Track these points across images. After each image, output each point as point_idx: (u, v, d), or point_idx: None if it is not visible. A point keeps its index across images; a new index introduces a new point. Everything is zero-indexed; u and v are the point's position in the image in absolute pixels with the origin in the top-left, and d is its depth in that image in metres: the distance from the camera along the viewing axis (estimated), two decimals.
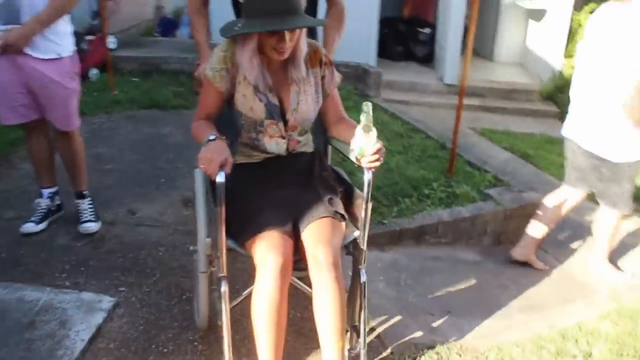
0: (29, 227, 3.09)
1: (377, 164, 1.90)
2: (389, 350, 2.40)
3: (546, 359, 2.39)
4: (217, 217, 1.91)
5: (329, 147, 2.47)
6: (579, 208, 4.42)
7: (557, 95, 6.91)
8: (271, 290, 1.86)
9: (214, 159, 1.85)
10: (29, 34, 2.68)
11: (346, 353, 2.04)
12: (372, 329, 2.53)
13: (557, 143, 5.83)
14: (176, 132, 4.74)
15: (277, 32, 1.91)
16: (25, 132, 3.11)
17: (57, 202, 3.25)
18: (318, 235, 1.93)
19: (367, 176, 1.94)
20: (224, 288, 1.98)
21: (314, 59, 2.15)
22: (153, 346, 2.35)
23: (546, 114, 6.78)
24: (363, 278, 2.08)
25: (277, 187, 2.09)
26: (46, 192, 3.19)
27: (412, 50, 7.98)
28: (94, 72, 6.15)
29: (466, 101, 6.67)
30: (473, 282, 3.15)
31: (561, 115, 6.76)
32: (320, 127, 2.34)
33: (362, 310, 2.10)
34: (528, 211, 3.69)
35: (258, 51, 2.00)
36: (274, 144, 2.16)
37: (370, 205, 2.01)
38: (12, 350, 2.23)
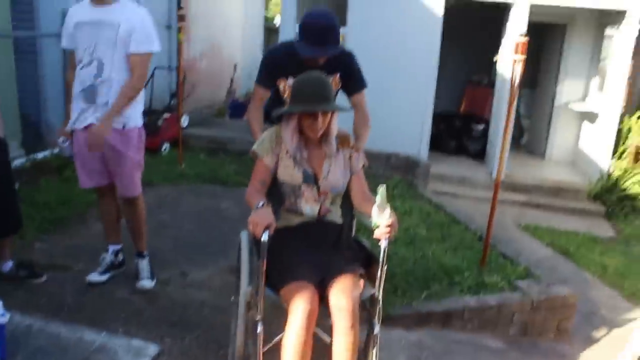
0: (94, 277, 3.52)
1: (389, 235, 2.33)
2: None
3: None
4: (259, 269, 2.33)
5: (354, 222, 2.91)
6: (613, 307, 4.52)
7: (604, 195, 7.01)
8: (300, 329, 2.25)
9: (260, 222, 2.27)
10: (108, 126, 3.19)
11: None
12: None
13: (601, 242, 5.93)
14: (233, 207, 5.17)
15: (312, 113, 2.49)
16: (97, 195, 3.58)
17: (120, 258, 3.67)
18: (341, 287, 2.34)
19: (383, 244, 2.36)
20: (260, 329, 2.36)
21: (345, 142, 2.73)
22: None
23: (592, 213, 6.86)
24: (376, 330, 2.46)
25: (310, 248, 2.53)
26: (111, 248, 3.62)
27: (465, 145, 8.30)
28: (166, 147, 6.76)
29: (513, 197, 6.97)
30: None
31: (607, 215, 6.85)
32: (348, 207, 2.79)
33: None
34: (555, 304, 3.83)
35: (298, 130, 2.57)
36: (309, 207, 2.65)
37: (385, 267, 2.40)
38: None
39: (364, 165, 2.77)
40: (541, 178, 7.44)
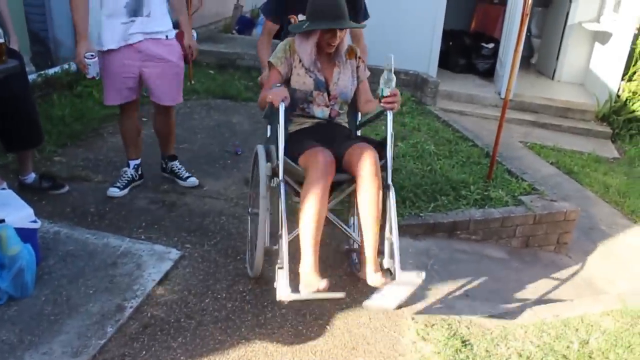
0: (114, 191, 3.65)
1: (393, 105, 2.65)
2: (409, 317, 2.79)
3: (545, 341, 2.72)
4: (277, 134, 2.58)
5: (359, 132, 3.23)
6: (612, 223, 4.67)
7: (611, 116, 7.03)
8: (320, 177, 2.47)
9: (279, 93, 2.60)
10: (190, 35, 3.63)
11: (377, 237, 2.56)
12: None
13: (605, 163, 6.03)
14: (244, 121, 5.25)
15: (331, 29, 2.70)
16: (121, 111, 3.64)
17: (140, 172, 3.79)
18: (359, 149, 2.59)
19: (389, 116, 2.69)
20: (283, 189, 2.56)
21: (352, 54, 2.97)
22: (209, 292, 2.83)
23: (599, 134, 6.90)
24: (391, 191, 2.64)
25: (324, 141, 2.68)
26: (132, 163, 3.74)
27: (474, 63, 8.23)
28: None
29: (520, 116, 7.00)
30: (495, 275, 3.48)
31: (613, 137, 6.91)
32: (353, 116, 3.14)
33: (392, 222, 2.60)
34: (557, 219, 3.98)
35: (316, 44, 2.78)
36: (320, 111, 2.89)
37: (392, 139, 2.67)
38: (100, 282, 2.77)
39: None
40: (550, 98, 7.43)
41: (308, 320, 2.72)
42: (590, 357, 2.66)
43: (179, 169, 3.88)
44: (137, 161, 3.77)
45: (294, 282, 2.40)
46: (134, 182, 3.76)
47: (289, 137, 2.64)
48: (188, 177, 3.86)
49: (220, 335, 2.56)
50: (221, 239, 3.29)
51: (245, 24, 9.16)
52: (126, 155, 3.76)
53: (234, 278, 2.96)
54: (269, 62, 2.88)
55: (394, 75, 2.61)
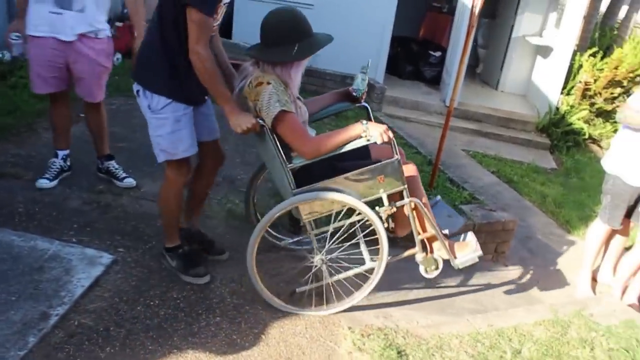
0: (44, 182, 3.53)
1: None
2: (345, 327, 2.77)
3: (479, 351, 2.75)
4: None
5: None
6: (548, 233, 4.80)
7: (550, 128, 7.24)
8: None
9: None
10: None
11: None
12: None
13: (543, 173, 6.20)
14: None
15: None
16: (50, 100, 3.53)
17: (69, 163, 3.69)
18: None
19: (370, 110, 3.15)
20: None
21: None
22: (142, 299, 2.73)
23: (538, 145, 7.10)
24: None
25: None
26: (61, 153, 3.64)
27: (422, 70, 8.34)
28: (118, 57, 6.55)
29: (464, 124, 7.13)
30: (433, 284, 3.50)
31: (552, 148, 7.12)
32: None
33: None
34: (495, 228, 4.04)
35: None
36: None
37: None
38: (24, 288, 2.63)
39: None
40: (493, 108, 7.60)
41: (243, 329, 2.66)
42: None
43: (115, 169, 3.75)
44: (66, 151, 3.66)
45: None
46: (63, 173, 3.65)
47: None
48: (125, 178, 3.74)
49: (152, 345, 2.46)
50: (157, 243, 3.18)
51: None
52: (54, 145, 3.65)
53: (168, 284, 2.87)
54: (284, 111, 2.48)
55: (367, 76, 2.94)
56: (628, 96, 7.38)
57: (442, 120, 4.59)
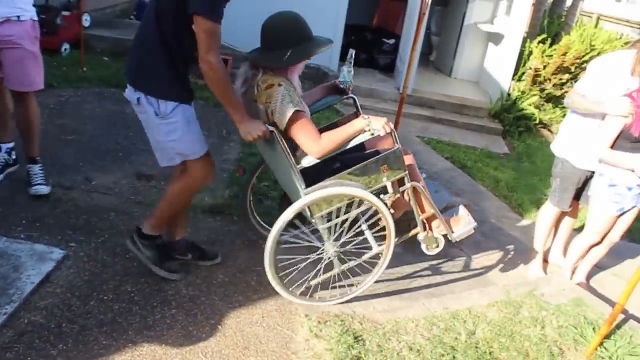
0: None
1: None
2: (302, 314, 2.78)
3: (434, 333, 2.79)
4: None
5: None
6: (501, 216, 4.90)
7: (502, 114, 7.39)
8: None
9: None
10: None
11: None
12: None
13: (496, 158, 6.33)
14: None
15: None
16: None
17: (14, 157, 3.56)
18: None
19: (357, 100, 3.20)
20: None
21: None
22: (95, 293, 2.68)
23: (491, 130, 7.24)
24: None
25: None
26: (4, 146, 3.51)
27: (375, 58, 8.38)
28: (66, 48, 6.37)
29: (419, 111, 7.20)
30: (389, 269, 3.52)
31: (504, 133, 7.27)
32: None
33: None
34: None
35: None
36: None
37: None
38: None
39: None
40: (446, 94, 7.69)
41: (199, 320, 2.64)
42: (476, 346, 2.76)
43: (34, 174, 3.43)
44: (10, 144, 3.53)
45: None
46: (8, 167, 3.53)
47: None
48: (37, 185, 3.40)
49: (106, 340, 2.43)
50: (109, 237, 3.13)
51: (144, 10, 8.79)
52: None
53: (122, 278, 2.82)
54: (298, 111, 2.50)
55: (352, 67, 2.98)
56: (576, 82, 7.60)
57: (396, 108, 4.64)
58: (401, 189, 2.88)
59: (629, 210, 3.39)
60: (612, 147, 3.30)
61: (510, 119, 7.36)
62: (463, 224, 3.12)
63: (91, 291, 2.68)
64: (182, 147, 2.61)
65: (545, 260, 4.02)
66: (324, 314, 2.78)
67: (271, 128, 2.53)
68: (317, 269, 2.87)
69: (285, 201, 3.01)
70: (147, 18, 2.49)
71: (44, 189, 3.41)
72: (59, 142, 4.11)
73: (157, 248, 2.86)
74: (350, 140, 2.61)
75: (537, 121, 7.46)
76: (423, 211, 3.04)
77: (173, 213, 2.84)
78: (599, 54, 7.37)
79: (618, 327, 3.03)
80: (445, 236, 3.13)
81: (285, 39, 2.54)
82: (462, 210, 3.19)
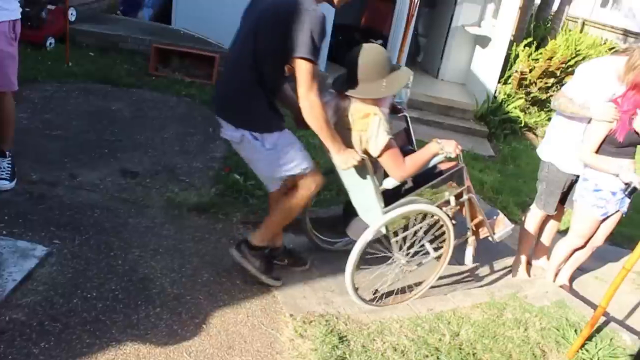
0: None
1: None
2: (287, 314, 2.77)
3: (419, 334, 2.80)
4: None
5: None
6: None
7: (488, 116, 7.45)
8: None
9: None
10: None
11: None
12: (275, 296, 2.91)
13: (481, 160, 6.37)
14: (125, 109, 4.98)
15: None
16: None
17: None
18: None
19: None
20: None
21: None
22: (78, 291, 2.65)
23: (477, 132, 7.29)
24: None
25: None
26: None
27: None
28: (51, 42, 6.30)
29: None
30: (375, 269, 3.54)
31: (490, 136, 7.32)
32: None
33: None
34: None
35: None
36: None
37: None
38: None
39: None
40: (433, 96, 7.74)
41: (184, 319, 2.63)
42: (460, 348, 2.78)
43: (0, 169, 3.36)
44: None
45: None
46: None
47: None
48: (1, 179, 3.34)
49: (89, 339, 2.40)
50: (94, 234, 3.10)
51: (131, 5, 8.73)
52: None
53: (106, 276, 2.80)
54: (391, 139, 2.71)
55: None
56: (561, 86, 7.68)
57: None
58: (461, 200, 3.15)
59: (612, 214, 3.43)
60: (597, 152, 3.33)
61: (496, 122, 7.41)
62: (503, 226, 3.40)
63: (74, 289, 2.66)
64: (296, 170, 2.78)
65: (529, 263, 4.05)
66: (309, 314, 2.78)
67: (364, 156, 2.70)
68: (389, 276, 3.10)
69: (346, 215, 3.26)
70: (240, 59, 2.64)
71: (6, 185, 3.35)
72: (43, 137, 4.07)
73: (265, 258, 3.02)
74: (428, 163, 2.87)
75: (522, 124, 7.53)
76: (474, 218, 3.28)
77: (286, 222, 2.98)
78: (584, 59, 7.47)
79: (599, 329, 3.07)
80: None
81: (378, 70, 2.71)
82: (500, 214, 3.48)
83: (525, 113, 7.60)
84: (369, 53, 2.74)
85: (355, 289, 2.96)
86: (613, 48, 8.70)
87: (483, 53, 8.15)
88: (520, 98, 7.52)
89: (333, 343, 2.58)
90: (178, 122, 4.84)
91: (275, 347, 2.57)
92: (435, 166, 3.08)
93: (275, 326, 2.70)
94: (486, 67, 7.87)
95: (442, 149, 2.83)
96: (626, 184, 3.29)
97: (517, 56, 7.70)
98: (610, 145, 3.29)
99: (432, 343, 2.76)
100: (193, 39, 6.76)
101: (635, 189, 3.30)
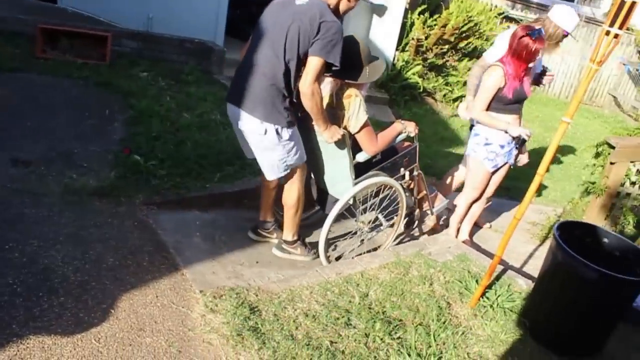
0: None
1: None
2: (197, 291, 2.76)
3: (329, 299, 2.88)
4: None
5: None
6: None
7: (388, 83, 7.62)
8: None
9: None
10: None
11: None
12: (183, 274, 2.89)
13: (384, 127, 6.52)
14: (10, 95, 4.68)
15: None
16: None
17: None
18: None
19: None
20: None
21: None
22: None
23: (378, 100, 7.44)
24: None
25: None
26: None
27: None
28: None
29: None
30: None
31: (390, 102, 7.50)
32: None
33: None
34: None
35: None
36: None
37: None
38: None
39: None
40: None
41: (90, 305, 2.56)
42: (369, 308, 2.87)
43: None
44: None
45: None
46: None
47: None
48: None
49: None
50: None
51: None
52: None
53: (2, 270, 2.66)
54: (368, 118, 3.17)
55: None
56: (456, 51, 7.98)
57: None
58: (412, 175, 3.62)
59: (501, 166, 3.66)
60: (487, 109, 3.53)
61: (396, 88, 7.60)
62: (439, 201, 3.93)
63: None
64: (294, 161, 3.19)
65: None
66: (219, 289, 2.78)
67: (344, 131, 3.12)
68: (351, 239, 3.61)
69: (320, 191, 3.69)
70: (270, 62, 2.96)
71: None
72: None
73: (304, 243, 3.53)
74: (394, 140, 3.39)
75: (421, 90, 7.76)
76: (420, 192, 3.75)
77: (300, 213, 3.40)
78: (475, 25, 7.77)
79: (498, 277, 3.27)
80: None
81: (363, 59, 3.12)
82: (436, 190, 4.01)
83: (424, 79, 7.84)
84: (356, 44, 3.11)
85: (327, 257, 3.41)
86: (502, 13, 9.09)
87: (380, 22, 8.28)
88: (418, 64, 7.74)
89: (245, 315, 2.60)
90: (72, 106, 4.63)
91: (187, 324, 2.56)
92: (392, 145, 3.51)
93: (186, 304, 2.68)
94: (384, 35, 8.01)
95: (405, 129, 3.37)
96: (514, 137, 3.52)
97: (412, 24, 7.90)
98: (499, 103, 3.50)
99: (343, 305, 2.84)
100: (82, 18, 6.42)
101: (524, 140, 3.55)
